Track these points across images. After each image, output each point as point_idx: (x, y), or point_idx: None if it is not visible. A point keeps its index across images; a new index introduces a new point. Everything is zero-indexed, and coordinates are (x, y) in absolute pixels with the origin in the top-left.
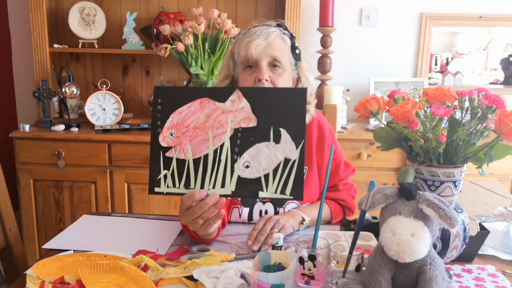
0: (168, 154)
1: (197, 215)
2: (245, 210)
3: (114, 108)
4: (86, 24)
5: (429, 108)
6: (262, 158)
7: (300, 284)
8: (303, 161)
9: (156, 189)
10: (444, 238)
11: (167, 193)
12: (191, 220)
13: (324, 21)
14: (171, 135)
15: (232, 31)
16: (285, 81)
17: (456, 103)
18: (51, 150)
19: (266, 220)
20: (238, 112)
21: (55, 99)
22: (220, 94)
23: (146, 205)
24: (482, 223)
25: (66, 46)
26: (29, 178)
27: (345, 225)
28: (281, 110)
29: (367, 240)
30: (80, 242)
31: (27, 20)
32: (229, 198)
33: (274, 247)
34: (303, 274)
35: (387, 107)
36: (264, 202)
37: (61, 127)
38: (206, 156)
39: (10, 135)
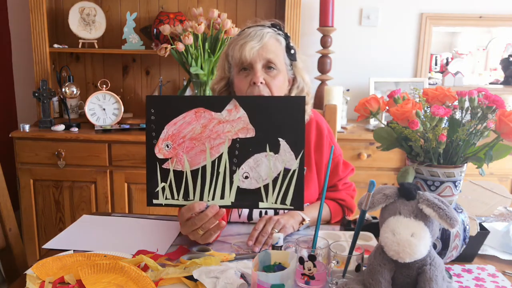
0: (165, 166)
1: (197, 226)
2: (245, 210)
3: (114, 108)
4: (86, 24)
5: (429, 108)
6: (261, 169)
7: (300, 284)
8: (303, 171)
9: (155, 201)
10: (444, 238)
11: (166, 205)
12: (191, 231)
13: (324, 21)
14: (167, 146)
15: (232, 31)
16: (280, 82)
17: (456, 103)
18: (51, 150)
19: (266, 220)
20: (235, 122)
21: (55, 99)
22: (215, 104)
23: (146, 205)
24: (482, 223)
25: (66, 46)
26: (29, 178)
27: (345, 225)
28: (279, 120)
29: (367, 240)
30: (80, 242)
31: (27, 20)
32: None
33: (274, 247)
34: (303, 274)
35: (387, 107)
36: None
37: (61, 127)
38: (204, 168)
39: (10, 135)
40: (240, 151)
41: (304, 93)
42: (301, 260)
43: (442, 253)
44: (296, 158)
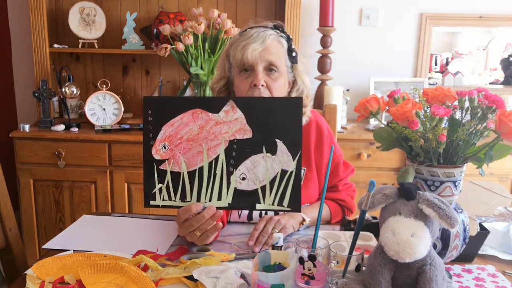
0: (162, 167)
1: (194, 228)
2: (245, 211)
3: (114, 108)
4: (86, 24)
5: (429, 108)
6: (258, 170)
7: (300, 284)
8: (300, 172)
9: (152, 202)
10: (444, 238)
11: (163, 206)
12: (188, 232)
13: (324, 21)
14: (164, 147)
15: (232, 31)
16: (281, 85)
17: (456, 103)
18: (51, 150)
19: (267, 220)
20: (233, 123)
21: (55, 99)
22: (212, 105)
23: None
24: (482, 223)
25: (66, 46)
26: (29, 178)
27: (345, 225)
28: (276, 121)
29: (367, 240)
30: (80, 242)
31: (27, 20)
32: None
33: (274, 247)
34: (303, 274)
35: (387, 107)
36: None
37: (61, 127)
38: (201, 169)
39: (10, 135)
40: (237, 152)
41: (304, 95)
42: (301, 260)
43: (442, 253)
44: (294, 160)
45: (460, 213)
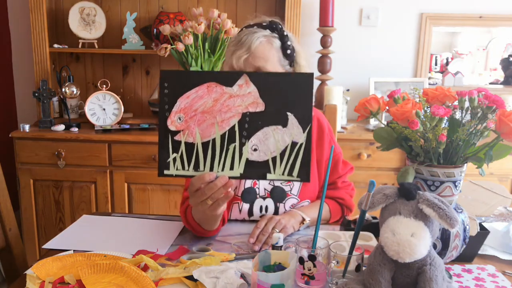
0: (176, 137)
1: (206, 196)
2: (245, 206)
3: (114, 108)
4: (86, 24)
5: (429, 108)
6: (269, 142)
7: (300, 284)
8: (310, 144)
9: (166, 172)
10: (444, 238)
11: (177, 175)
12: (200, 201)
13: (324, 21)
14: (179, 119)
15: (232, 31)
16: None
17: (456, 103)
18: (51, 150)
19: (268, 219)
20: (246, 96)
21: (55, 99)
22: (227, 79)
23: (146, 205)
24: (482, 223)
25: (66, 46)
26: (29, 178)
27: (345, 225)
28: (288, 95)
29: (367, 240)
30: (80, 242)
31: (27, 20)
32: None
33: (274, 247)
34: (303, 274)
35: (387, 107)
36: (264, 198)
37: (61, 127)
38: (214, 140)
39: (10, 135)
40: (250, 124)
41: None
42: (301, 260)
43: (442, 253)
44: (304, 132)
45: (460, 213)
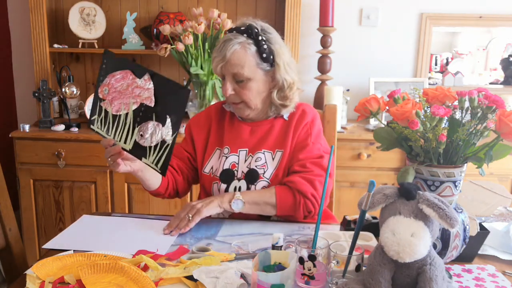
0: (102, 104)
1: (107, 157)
2: (223, 186)
3: None
4: (86, 24)
5: (429, 108)
6: (151, 133)
7: (300, 284)
8: (172, 147)
9: (91, 126)
10: (444, 238)
11: (96, 132)
12: (106, 159)
13: (324, 21)
14: (106, 91)
15: None
16: (252, 89)
17: (456, 103)
18: (51, 150)
19: (185, 206)
20: (146, 90)
21: (55, 99)
22: (139, 71)
23: (146, 205)
24: (482, 223)
25: (66, 46)
26: (29, 178)
27: (345, 225)
28: (171, 101)
29: (367, 240)
30: (80, 242)
31: (27, 20)
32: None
33: (274, 247)
34: (303, 274)
35: (387, 107)
36: (239, 180)
37: (61, 127)
38: (120, 116)
39: (10, 135)
40: (143, 114)
41: (289, 89)
42: (301, 260)
43: (442, 253)
44: (172, 135)
45: (460, 213)
